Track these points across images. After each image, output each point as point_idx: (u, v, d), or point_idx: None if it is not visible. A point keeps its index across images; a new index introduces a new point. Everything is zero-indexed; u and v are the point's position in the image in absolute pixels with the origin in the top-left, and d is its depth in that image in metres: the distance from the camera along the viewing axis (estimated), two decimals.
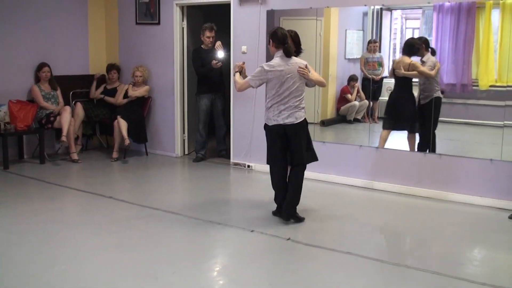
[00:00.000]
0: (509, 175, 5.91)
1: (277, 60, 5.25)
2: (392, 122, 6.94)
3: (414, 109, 6.85)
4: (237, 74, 5.56)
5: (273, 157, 5.44)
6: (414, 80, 6.82)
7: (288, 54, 5.22)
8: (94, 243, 4.85)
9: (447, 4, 6.55)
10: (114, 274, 4.18)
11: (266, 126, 5.45)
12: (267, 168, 5.49)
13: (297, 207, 5.45)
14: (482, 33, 6.64)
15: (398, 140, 6.91)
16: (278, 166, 5.43)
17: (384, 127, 6.96)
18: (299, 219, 5.44)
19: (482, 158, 6.10)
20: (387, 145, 6.85)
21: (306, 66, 5.29)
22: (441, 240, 5.03)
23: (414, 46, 6.73)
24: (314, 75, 5.42)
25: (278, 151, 5.39)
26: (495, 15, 6.42)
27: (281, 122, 5.25)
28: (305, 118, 5.36)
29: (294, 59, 5.31)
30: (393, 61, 7.01)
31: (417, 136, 6.81)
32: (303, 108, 5.32)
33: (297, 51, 5.59)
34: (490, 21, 6.53)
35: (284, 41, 5.22)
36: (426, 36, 7.14)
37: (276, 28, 5.39)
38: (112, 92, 8.76)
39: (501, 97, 6.21)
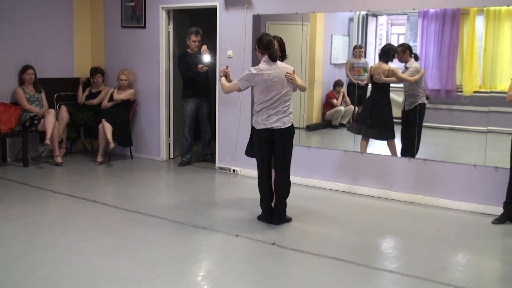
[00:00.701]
0: (493, 181, 5.95)
1: (263, 64, 5.32)
2: (370, 130, 6.96)
3: (391, 116, 6.89)
4: (223, 78, 5.63)
5: (260, 162, 5.48)
6: (393, 86, 6.89)
7: (272, 58, 5.29)
8: (77, 247, 4.80)
9: (431, 10, 6.60)
10: (97, 279, 4.14)
11: (253, 128, 5.51)
12: (252, 172, 5.50)
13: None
14: (466, 40, 6.70)
15: (383, 145, 6.93)
16: (265, 173, 5.47)
17: (360, 133, 6.97)
18: (288, 220, 5.56)
19: (466, 163, 6.15)
20: (372, 150, 6.88)
21: (293, 72, 5.37)
22: (425, 245, 5.05)
23: (389, 52, 6.79)
24: (298, 79, 5.48)
25: (265, 157, 5.42)
26: (479, 21, 6.48)
27: (269, 126, 5.30)
28: (292, 125, 5.41)
29: (280, 64, 5.37)
30: (370, 68, 7.03)
31: (398, 141, 6.85)
32: (291, 113, 5.38)
33: (282, 57, 5.64)
34: (474, 27, 6.59)
35: (269, 46, 5.29)
36: (411, 42, 7.19)
37: (262, 34, 5.46)
38: (97, 96, 8.72)
39: (484, 103, 6.26)
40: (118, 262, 4.49)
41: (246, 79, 5.35)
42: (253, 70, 5.33)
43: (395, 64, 6.87)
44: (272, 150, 5.42)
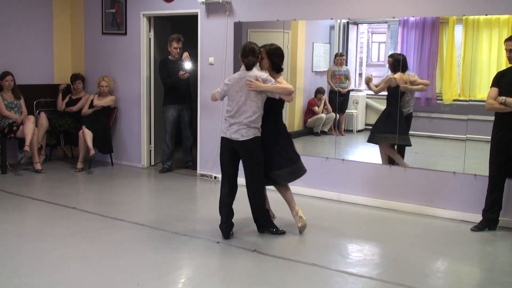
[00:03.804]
0: (472, 188, 6.00)
1: (237, 73, 5.23)
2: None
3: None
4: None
5: (221, 169, 5.34)
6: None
7: (247, 67, 5.11)
8: (55, 255, 4.75)
9: (411, 19, 6.66)
10: (75, 286, 4.10)
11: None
12: None
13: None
14: (446, 48, 6.77)
15: (366, 152, 6.97)
16: (224, 180, 5.32)
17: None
18: (280, 232, 5.42)
19: (445, 171, 6.20)
20: (353, 157, 6.91)
21: (257, 79, 5.03)
22: (405, 252, 5.08)
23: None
24: (273, 86, 5.06)
25: (225, 165, 5.27)
26: (458, 30, 6.55)
27: (228, 136, 5.15)
28: (256, 137, 5.13)
29: (254, 72, 5.09)
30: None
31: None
32: (255, 127, 5.12)
33: (278, 68, 5.30)
34: (453, 36, 6.66)
35: (247, 55, 5.12)
36: (392, 50, 7.26)
37: (247, 42, 5.37)
38: (77, 103, 8.65)
39: (464, 111, 6.32)
40: (97, 269, 4.45)
41: (221, 89, 5.29)
42: (226, 80, 5.26)
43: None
44: (235, 163, 5.26)
